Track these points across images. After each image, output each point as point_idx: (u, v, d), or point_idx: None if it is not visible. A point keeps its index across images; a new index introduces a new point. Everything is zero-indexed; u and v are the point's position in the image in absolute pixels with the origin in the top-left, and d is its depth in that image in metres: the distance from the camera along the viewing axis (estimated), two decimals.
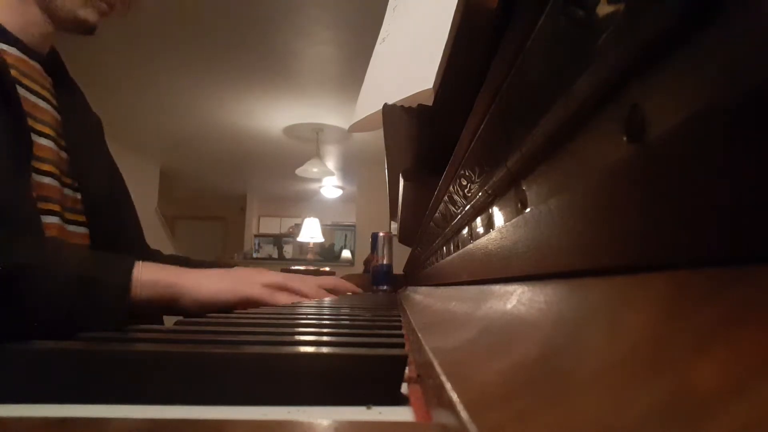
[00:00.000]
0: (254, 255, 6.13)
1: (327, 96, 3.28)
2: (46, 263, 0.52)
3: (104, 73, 2.79)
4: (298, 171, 4.09)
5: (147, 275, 0.58)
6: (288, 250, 6.40)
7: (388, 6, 0.67)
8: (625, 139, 0.14)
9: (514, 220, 0.24)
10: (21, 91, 0.63)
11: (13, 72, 0.62)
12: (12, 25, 0.66)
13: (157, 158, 4.58)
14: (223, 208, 6.55)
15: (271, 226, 6.66)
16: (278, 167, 4.91)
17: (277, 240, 6.48)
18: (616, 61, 0.14)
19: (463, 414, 0.13)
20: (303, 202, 6.51)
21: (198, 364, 0.21)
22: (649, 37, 0.12)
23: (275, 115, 3.63)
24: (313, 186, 5.63)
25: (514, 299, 0.21)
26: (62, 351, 0.23)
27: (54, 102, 0.71)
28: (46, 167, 0.66)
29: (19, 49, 0.66)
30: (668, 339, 0.09)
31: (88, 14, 0.71)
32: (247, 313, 0.54)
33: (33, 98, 0.66)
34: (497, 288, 0.26)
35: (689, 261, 0.10)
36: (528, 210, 0.23)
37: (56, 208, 0.66)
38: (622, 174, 0.14)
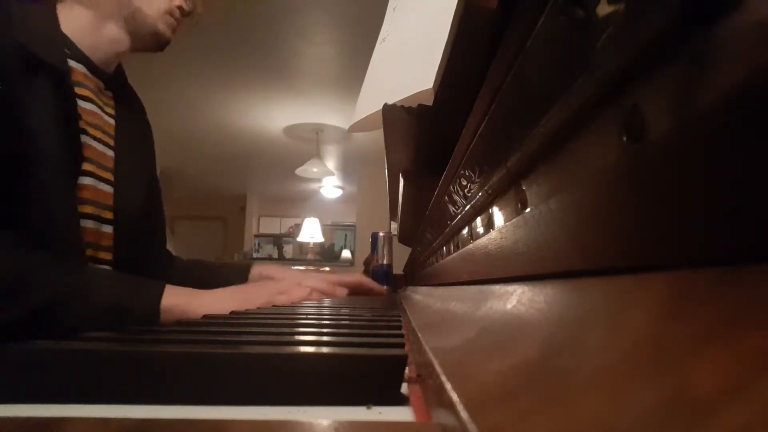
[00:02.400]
0: (254, 255, 6.13)
1: (327, 96, 3.28)
2: (80, 291, 0.55)
3: None
4: (298, 171, 4.09)
5: (167, 300, 0.60)
6: (288, 250, 6.40)
7: (388, 6, 0.67)
8: (624, 139, 0.14)
9: (514, 220, 0.24)
10: (81, 103, 0.66)
11: (77, 89, 0.66)
12: (84, 44, 0.69)
13: (157, 158, 4.57)
14: (223, 208, 6.55)
15: (271, 226, 6.66)
16: (278, 167, 4.90)
17: (277, 240, 6.47)
18: (616, 62, 0.14)
19: (463, 414, 0.13)
20: (303, 202, 6.51)
21: (198, 364, 0.21)
22: (649, 38, 0.12)
23: (275, 115, 3.63)
24: (313, 186, 5.63)
25: (514, 299, 0.21)
26: (62, 351, 0.23)
27: (113, 114, 0.74)
28: (106, 175, 0.70)
29: (86, 66, 0.69)
30: (668, 339, 0.09)
31: (165, 29, 0.75)
32: (247, 313, 0.54)
33: (93, 108, 0.69)
34: (497, 288, 0.26)
35: (689, 261, 0.10)
36: (528, 210, 0.23)
37: (107, 214, 0.70)
38: (621, 174, 0.14)
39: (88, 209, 0.66)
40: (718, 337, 0.08)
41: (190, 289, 0.65)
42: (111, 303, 0.56)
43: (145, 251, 0.78)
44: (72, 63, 0.66)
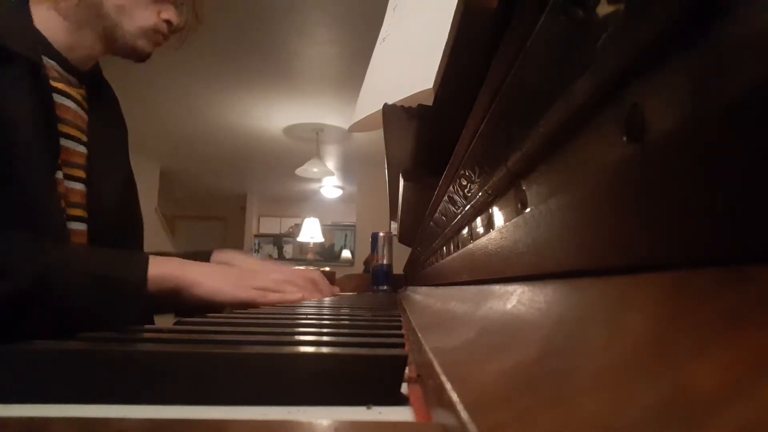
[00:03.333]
0: (254, 255, 6.13)
1: (327, 96, 3.28)
2: (65, 265, 0.54)
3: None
4: (298, 171, 4.09)
5: (156, 269, 0.60)
6: (288, 250, 6.40)
7: (388, 6, 0.67)
8: (624, 139, 0.14)
9: (514, 220, 0.24)
10: (57, 98, 0.66)
11: (51, 83, 0.65)
12: (59, 43, 0.68)
13: (157, 158, 4.58)
14: (223, 208, 6.55)
15: (271, 226, 6.66)
16: (278, 167, 4.90)
17: (277, 240, 6.48)
18: (616, 61, 0.14)
19: (463, 414, 0.13)
20: (303, 202, 6.51)
21: (198, 364, 0.21)
22: (649, 37, 0.12)
23: (275, 115, 3.63)
24: (313, 186, 5.63)
25: (514, 299, 0.21)
26: (62, 351, 0.23)
27: (87, 108, 0.73)
28: (78, 173, 0.69)
29: (58, 62, 0.69)
30: (668, 339, 0.09)
31: (145, 45, 0.73)
32: (247, 313, 0.54)
33: (68, 102, 0.69)
34: (497, 288, 0.26)
35: (689, 261, 0.10)
36: (528, 210, 0.23)
37: (79, 212, 0.69)
38: (621, 174, 0.14)
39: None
40: (718, 337, 0.08)
41: (177, 258, 0.65)
42: (98, 274, 0.55)
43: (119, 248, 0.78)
44: (45, 59, 0.65)
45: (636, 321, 0.11)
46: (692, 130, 0.10)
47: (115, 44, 0.72)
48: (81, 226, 0.70)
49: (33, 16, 0.66)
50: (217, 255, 0.88)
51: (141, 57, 0.74)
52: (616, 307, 0.13)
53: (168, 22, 0.73)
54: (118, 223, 0.76)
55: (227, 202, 6.46)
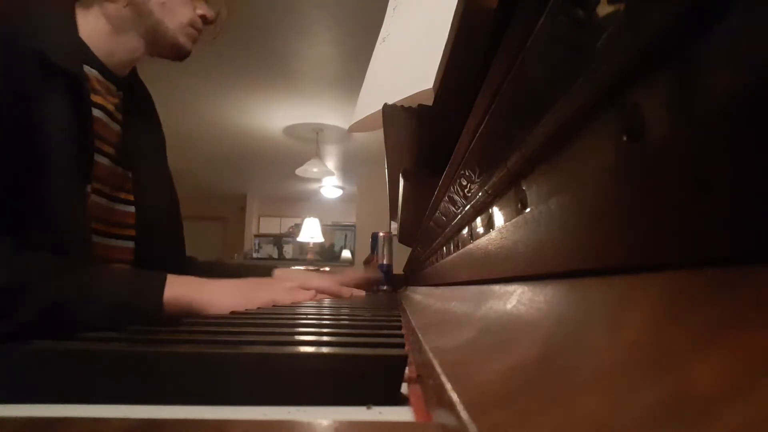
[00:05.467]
0: (254, 255, 6.13)
1: (327, 96, 3.28)
2: (79, 294, 0.54)
3: None
4: (298, 171, 4.09)
5: (171, 292, 0.60)
6: (288, 250, 6.40)
7: (388, 6, 0.67)
8: (625, 139, 0.14)
9: (514, 220, 0.24)
10: (93, 111, 0.66)
11: (92, 96, 0.65)
12: (99, 49, 0.69)
13: None
14: (223, 208, 6.55)
15: (271, 226, 6.66)
16: (278, 167, 4.90)
17: (277, 240, 6.47)
18: (616, 61, 0.14)
19: (463, 414, 0.13)
20: (303, 202, 6.51)
21: (198, 364, 0.21)
22: (649, 38, 0.12)
23: (275, 115, 3.63)
24: (313, 186, 5.63)
25: (514, 299, 0.21)
26: (62, 351, 0.23)
27: (119, 118, 0.74)
28: (98, 186, 0.69)
29: (99, 71, 0.69)
30: (668, 339, 0.09)
31: (186, 41, 0.74)
32: (247, 313, 0.54)
33: (99, 114, 0.69)
34: (497, 288, 0.26)
35: (689, 261, 0.10)
36: (528, 210, 0.23)
37: (99, 226, 0.69)
38: (621, 174, 0.14)
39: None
40: (718, 337, 0.08)
41: (194, 278, 0.65)
42: (113, 302, 0.55)
43: (165, 259, 0.78)
44: (86, 68, 0.66)
45: (636, 321, 0.11)
46: (692, 130, 0.10)
47: (156, 43, 0.73)
48: (100, 240, 0.70)
49: (78, 25, 0.66)
50: (277, 273, 0.89)
51: (182, 54, 0.76)
52: (616, 307, 0.13)
53: (203, 17, 0.75)
54: (162, 238, 0.77)
55: (227, 202, 6.46)
